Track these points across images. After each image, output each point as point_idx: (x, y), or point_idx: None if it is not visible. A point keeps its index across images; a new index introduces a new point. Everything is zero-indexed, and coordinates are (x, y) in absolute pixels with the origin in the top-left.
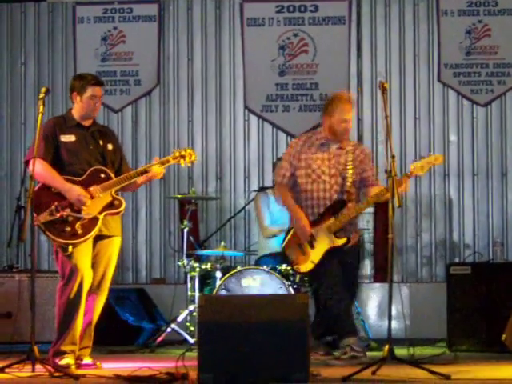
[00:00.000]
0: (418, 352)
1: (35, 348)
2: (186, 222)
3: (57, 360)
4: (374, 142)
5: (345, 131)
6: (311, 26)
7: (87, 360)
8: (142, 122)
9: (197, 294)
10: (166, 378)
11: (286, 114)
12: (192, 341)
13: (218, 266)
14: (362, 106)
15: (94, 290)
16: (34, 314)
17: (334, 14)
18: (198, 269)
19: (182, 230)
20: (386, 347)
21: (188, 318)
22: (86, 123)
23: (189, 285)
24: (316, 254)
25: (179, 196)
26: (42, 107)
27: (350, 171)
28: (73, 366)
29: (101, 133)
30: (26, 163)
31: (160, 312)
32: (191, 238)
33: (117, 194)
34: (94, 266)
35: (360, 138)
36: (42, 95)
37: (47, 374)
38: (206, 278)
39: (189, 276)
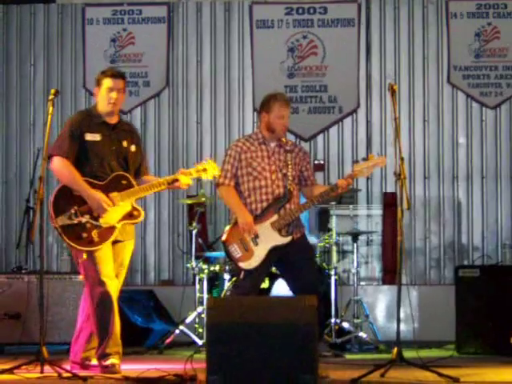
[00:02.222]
0: (427, 354)
1: (44, 349)
2: (194, 224)
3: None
4: (383, 143)
5: (282, 127)
6: (320, 28)
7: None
8: (151, 124)
9: (205, 295)
10: (174, 379)
11: (294, 116)
12: (200, 342)
13: (226, 267)
14: (371, 108)
15: None
16: (42, 314)
17: (343, 16)
18: (206, 271)
19: (191, 232)
20: (395, 349)
21: (196, 319)
22: (111, 120)
23: (197, 286)
24: (260, 251)
25: (189, 201)
26: (51, 109)
27: (290, 169)
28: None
29: (125, 133)
30: (50, 158)
31: (169, 314)
32: (200, 239)
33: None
34: None
35: (369, 140)
36: (51, 97)
37: (56, 375)
38: (215, 280)
39: (197, 278)
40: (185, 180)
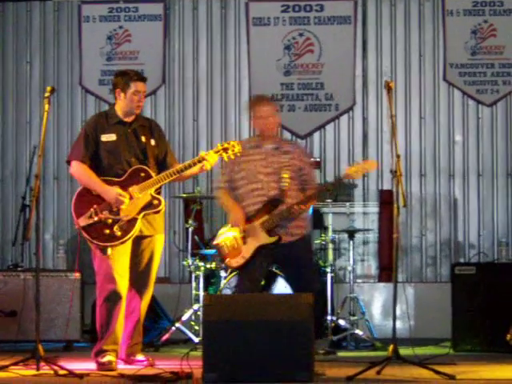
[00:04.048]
0: (423, 352)
1: (40, 346)
2: (190, 222)
3: (99, 358)
4: (380, 141)
5: (265, 128)
6: (317, 25)
7: (140, 356)
8: None
9: (201, 293)
10: (170, 377)
11: (291, 114)
12: (196, 340)
13: (222, 265)
14: (368, 105)
15: (139, 288)
16: (38, 312)
17: (339, 13)
18: (202, 268)
19: (187, 230)
20: (391, 347)
21: (193, 317)
22: (129, 119)
23: (193, 284)
24: (247, 250)
25: (184, 195)
26: (47, 106)
27: (286, 170)
28: (113, 363)
29: (143, 128)
30: (68, 163)
31: (165, 311)
32: (196, 237)
33: (158, 193)
34: (137, 265)
35: (365, 138)
36: (47, 94)
37: (52, 372)
38: (211, 278)
39: (193, 275)
40: (211, 158)
